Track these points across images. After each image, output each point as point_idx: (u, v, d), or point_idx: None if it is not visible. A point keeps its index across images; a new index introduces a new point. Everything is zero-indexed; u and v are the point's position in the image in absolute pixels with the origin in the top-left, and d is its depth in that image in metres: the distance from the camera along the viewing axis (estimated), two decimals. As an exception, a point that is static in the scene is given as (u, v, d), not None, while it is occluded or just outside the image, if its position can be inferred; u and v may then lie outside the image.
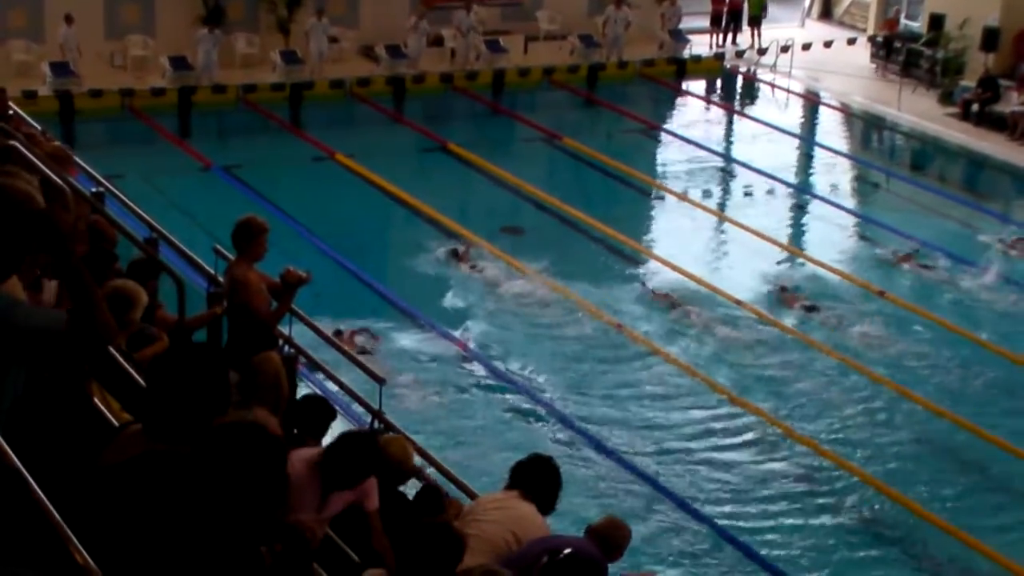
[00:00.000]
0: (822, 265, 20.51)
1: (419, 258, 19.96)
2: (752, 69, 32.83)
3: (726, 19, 34.17)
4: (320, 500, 7.31)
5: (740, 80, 32.98)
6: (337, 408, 9.17)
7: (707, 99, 31.66)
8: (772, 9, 35.37)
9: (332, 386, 12.18)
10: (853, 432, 15.56)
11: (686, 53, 32.92)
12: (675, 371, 16.66)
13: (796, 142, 28.29)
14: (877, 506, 14.06)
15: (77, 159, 12.38)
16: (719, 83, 32.89)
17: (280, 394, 8.12)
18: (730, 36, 34.19)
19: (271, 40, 29.24)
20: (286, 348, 10.68)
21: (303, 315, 10.93)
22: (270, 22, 29.25)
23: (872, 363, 17.09)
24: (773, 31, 34.60)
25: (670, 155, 27.13)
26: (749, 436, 15.32)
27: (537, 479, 7.77)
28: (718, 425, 15.53)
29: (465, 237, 20.59)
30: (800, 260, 20.84)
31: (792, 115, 30.74)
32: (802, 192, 24.35)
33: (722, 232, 22.12)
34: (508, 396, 15.85)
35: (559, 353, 17.09)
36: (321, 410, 8.49)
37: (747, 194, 24.21)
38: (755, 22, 33.94)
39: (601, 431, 15.12)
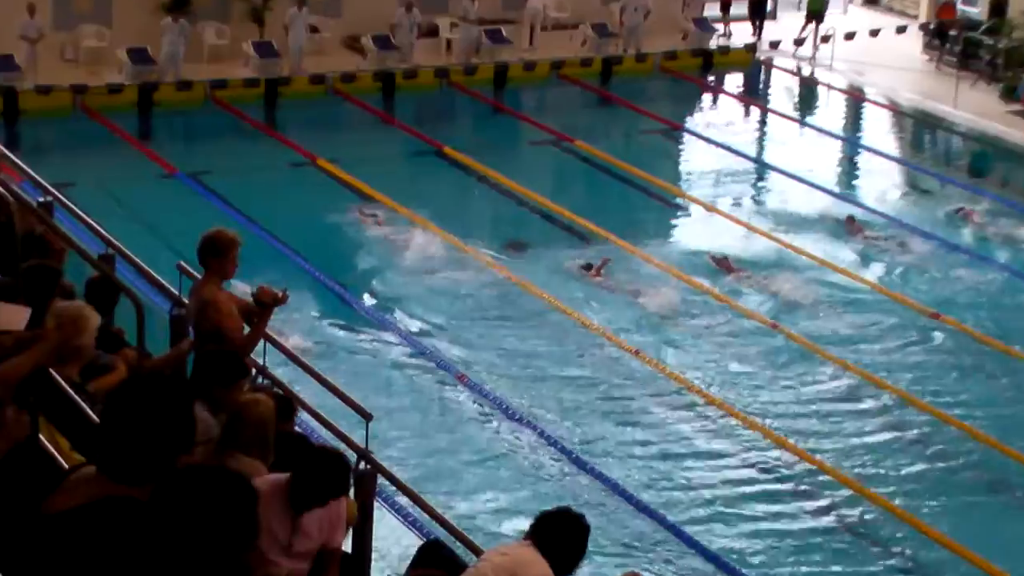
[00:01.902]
0: (870, 285, 20.51)
1: (409, 275, 20.00)
2: (800, 66, 32.85)
3: (751, 5, 34.07)
4: (291, 525, 7.62)
5: (774, 74, 33.01)
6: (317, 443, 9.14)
7: (737, 96, 31.68)
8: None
9: (313, 422, 12.12)
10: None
11: (713, 44, 32.97)
12: (679, 390, 16.76)
13: (838, 144, 28.28)
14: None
15: (21, 164, 12.36)
16: (750, 78, 32.92)
17: (267, 443, 8.11)
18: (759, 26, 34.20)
19: (243, 31, 29.28)
20: (260, 379, 10.62)
21: (280, 343, 10.89)
22: (242, 10, 29.30)
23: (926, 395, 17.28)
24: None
25: (695, 159, 27.13)
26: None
27: (557, 535, 7.76)
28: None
29: (464, 251, 20.63)
30: (847, 281, 20.77)
31: (833, 114, 30.77)
32: (845, 201, 24.28)
33: (753, 245, 22.06)
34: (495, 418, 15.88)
35: (569, 383, 17.17)
36: (300, 450, 8.49)
37: (778, 204, 24.16)
38: (817, 18, 33.43)
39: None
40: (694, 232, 22.85)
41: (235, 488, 4.31)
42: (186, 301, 10.57)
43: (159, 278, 12.32)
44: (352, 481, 8.92)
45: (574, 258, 20.68)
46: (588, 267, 20.19)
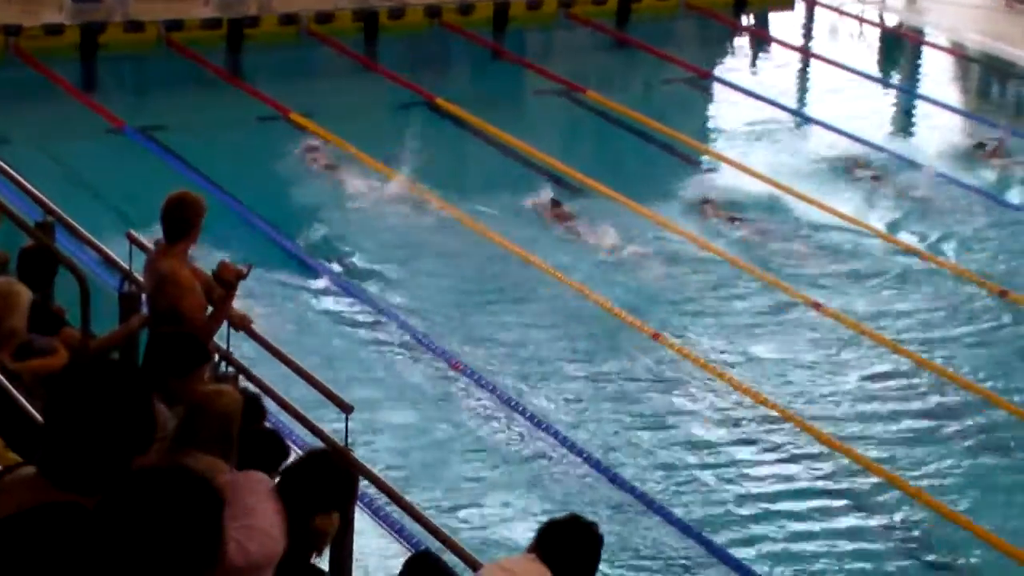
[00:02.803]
0: (935, 262, 20.53)
1: (394, 247, 20.02)
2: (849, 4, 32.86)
3: None
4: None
5: (818, 13, 32.95)
6: (291, 443, 9.18)
7: (775, 39, 31.60)
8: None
9: (283, 415, 12.16)
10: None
11: (747, -22, 32.92)
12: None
13: (892, 94, 28.26)
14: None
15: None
16: (791, 18, 32.86)
17: (230, 440, 8.13)
18: None
19: (202, -38, 29.23)
20: (223, 365, 10.64)
21: (252, 328, 10.91)
22: (201, -62, 29.24)
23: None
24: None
25: (726, 113, 27.09)
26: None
27: (566, 546, 7.80)
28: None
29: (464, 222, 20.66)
30: (908, 254, 20.81)
31: (887, 59, 30.71)
32: (900, 160, 24.27)
33: (794, 214, 22.05)
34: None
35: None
36: (271, 446, 8.53)
37: (827, 163, 24.14)
38: None
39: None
40: (722, 194, 22.80)
41: (199, 494, 4.26)
42: (138, 276, 10.59)
43: (106, 249, 12.34)
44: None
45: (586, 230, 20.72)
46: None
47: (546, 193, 21.60)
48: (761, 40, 31.54)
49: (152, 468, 4.34)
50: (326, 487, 7.70)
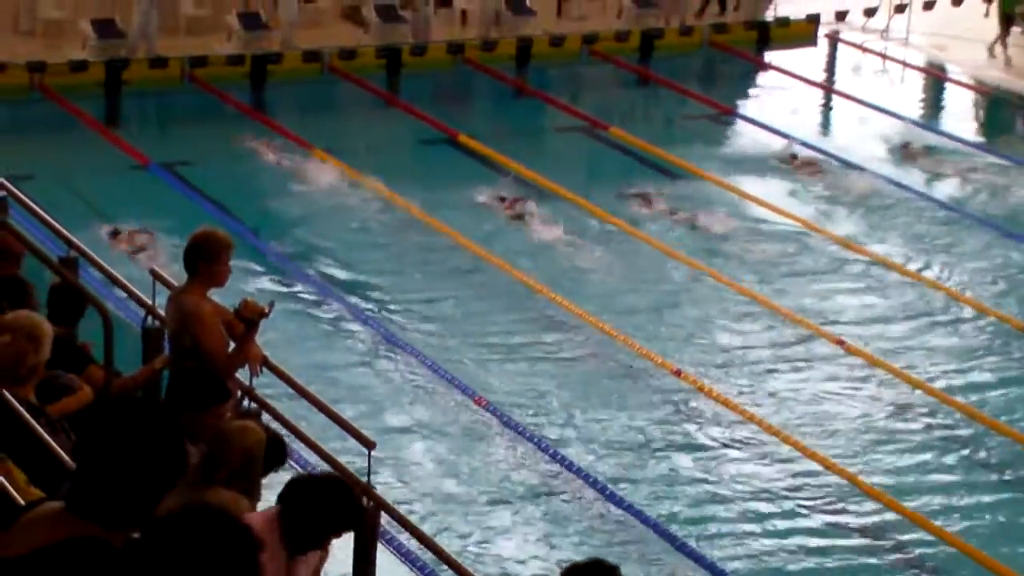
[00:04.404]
0: (967, 302, 20.48)
1: (421, 280, 20.05)
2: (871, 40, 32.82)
3: None
4: (285, 569, 7.67)
5: (841, 50, 32.96)
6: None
7: (798, 75, 31.60)
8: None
9: (307, 452, 12.17)
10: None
11: (770, 15, 32.94)
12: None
13: (915, 131, 28.21)
14: None
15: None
16: (813, 54, 32.88)
17: (254, 478, 8.14)
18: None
19: (226, -1, 29.38)
20: (246, 402, 10.65)
21: (272, 363, 10.92)
22: (225, -25, 29.40)
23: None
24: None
25: (748, 149, 27.05)
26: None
27: None
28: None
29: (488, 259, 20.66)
30: (932, 292, 20.74)
31: (909, 95, 30.68)
32: (924, 199, 24.21)
33: (821, 253, 22.00)
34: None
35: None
36: (270, 450, 8.53)
37: (843, 199, 24.09)
38: (1008, 20, 32.26)
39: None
40: (744, 230, 22.77)
41: (236, 536, 4.23)
42: (161, 312, 10.60)
43: (129, 285, 12.39)
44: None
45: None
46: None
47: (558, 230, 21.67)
48: (783, 76, 31.50)
49: (188, 508, 4.31)
50: (331, 517, 7.75)
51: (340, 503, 7.81)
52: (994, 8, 33.19)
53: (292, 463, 11.28)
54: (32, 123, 26.06)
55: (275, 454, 8.69)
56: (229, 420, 8.59)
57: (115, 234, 20.04)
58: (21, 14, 28.44)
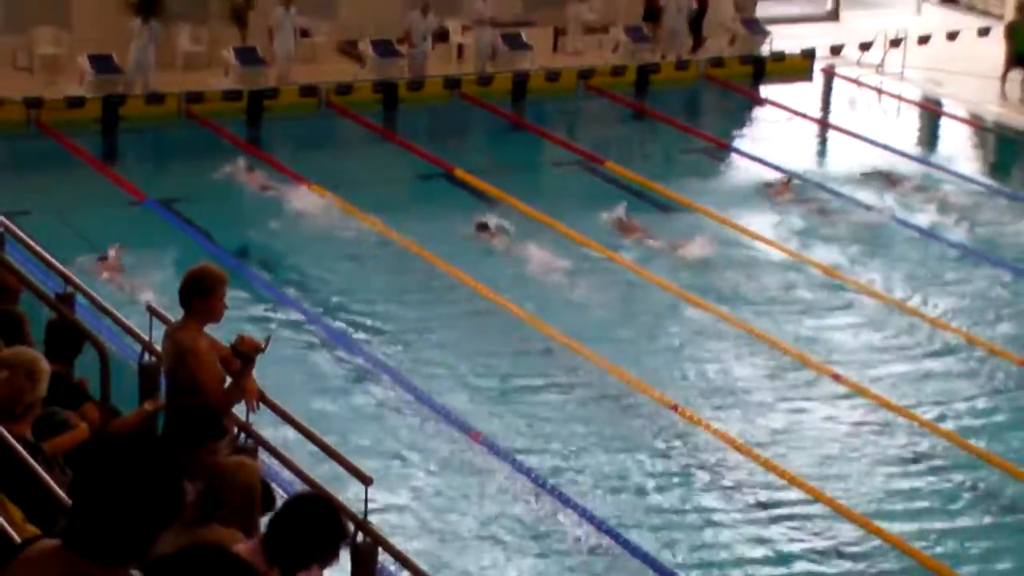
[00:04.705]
0: (963, 336, 20.47)
1: (417, 314, 20.06)
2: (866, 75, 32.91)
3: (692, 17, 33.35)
4: None
5: (837, 85, 33.05)
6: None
7: (793, 109, 31.67)
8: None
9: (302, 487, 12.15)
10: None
11: (765, 50, 33.03)
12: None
13: (911, 165, 28.23)
14: None
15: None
16: (809, 88, 32.96)
17: (252, 514, 8.12)
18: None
19: (223, 35, 29.44)
20: (242, 437, 10.65)
21: (269, 398, 10.92)
22: (222, 11, 29.48)
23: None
24: (881, 19, 34.73)
25: (744, 182, 27.08)
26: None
27: None
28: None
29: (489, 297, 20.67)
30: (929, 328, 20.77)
31: (905, 130, 30.74)
32: (922, 234, 24.23)
33: (821, 289, 22.01)
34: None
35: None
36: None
37: (840, 232, 24.13)
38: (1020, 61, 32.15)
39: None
40: (739, 262, 22.79)
41: (239, 574, 4.25)
42: (157, 347, 10.61)
43: (126, 320, 12.39)
44: (349, 546, 8.93)
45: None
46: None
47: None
48: (778, 110, 31.56)
49: (190, 547, 4.32)
50: (313, 537, 7.71)
51: (319, 516, 7.79)
52: (997, 40, 33.23)
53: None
54: (29, 159, 26.10)
55: (264, 498, 8.66)
56: (225, 456, 8.57)
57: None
58: (18, 50, 28.49)
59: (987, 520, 16.07)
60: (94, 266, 19.95)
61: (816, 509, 15.94)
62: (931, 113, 31.80)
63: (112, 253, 20.26)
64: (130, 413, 10.38)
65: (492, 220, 22.77)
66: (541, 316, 20.02)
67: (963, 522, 15.87)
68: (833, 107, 32.64)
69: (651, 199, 25.12)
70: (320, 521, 7.76)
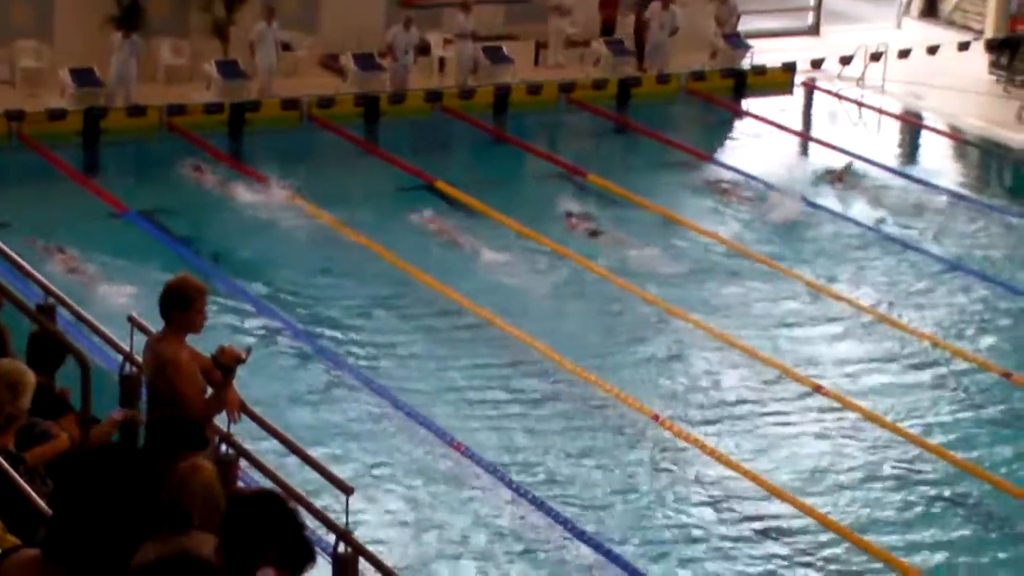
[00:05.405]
0: (951, 350, 20.51)
1: (398, 324, 20.05)
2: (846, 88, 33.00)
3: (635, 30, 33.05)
4: None
5: (818, 98, 33.13)
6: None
7: (774, 123, 31.73)
8: (861, 6, 35.66)
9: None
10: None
11: (746, 63, 33.10)
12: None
13: (891, 178, 28.30)
14: None
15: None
16: (790, 102, 33.02)
17: (215, 512, 8.07)
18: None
19: (205, 48, 29.42)
20: (224, 447, 10.65)
21: (250, 409, 10.93)
22: (203, 24, 29.44)
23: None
24: (861, 34, 34.82)
25: (725, 195, 27.12)
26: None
27: None
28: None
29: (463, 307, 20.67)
30: (913, 342, 20.84)
31: (885, 143, 30.82)
32: (901, 245, 24.31)
33: (805, 302, 22.05)
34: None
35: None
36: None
37: (821, 246, 24.19)
38: None
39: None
40: (725, 281, 22.84)
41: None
42: (138, 358, 10.60)
43: (107, 332, 12.38)
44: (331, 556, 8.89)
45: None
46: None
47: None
48: (759, 124, 31.63)
49: (169, 558, 4.32)
50: (267, 533, 7.44)
51: (268, 509, 7.55)
52: (978, 54, 33.39)
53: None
54: (10, 172, 26.02)
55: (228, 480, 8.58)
56: (179, 463, 8.42)
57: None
58: (0, 63, 28.45)
59: (972, 532, 16.12)
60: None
61: (801, 522, 15.97)
62: (911, 126, 31.88)
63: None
64: (100, 424, 10.35)
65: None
66: (520, 327, 20.03)
67: (948, 535, 15.92)
68: (814, 120, 32.73)
69: (631, 211, 25.13)
70: (264, 516, 7.50)
